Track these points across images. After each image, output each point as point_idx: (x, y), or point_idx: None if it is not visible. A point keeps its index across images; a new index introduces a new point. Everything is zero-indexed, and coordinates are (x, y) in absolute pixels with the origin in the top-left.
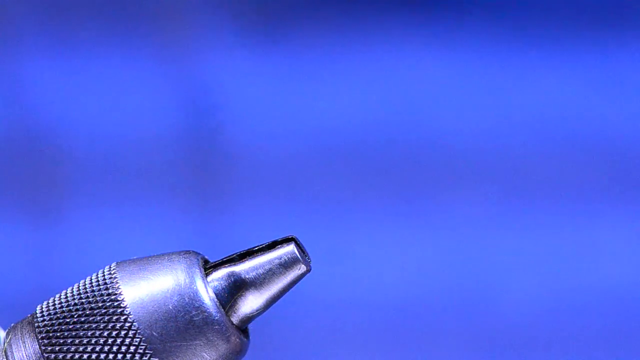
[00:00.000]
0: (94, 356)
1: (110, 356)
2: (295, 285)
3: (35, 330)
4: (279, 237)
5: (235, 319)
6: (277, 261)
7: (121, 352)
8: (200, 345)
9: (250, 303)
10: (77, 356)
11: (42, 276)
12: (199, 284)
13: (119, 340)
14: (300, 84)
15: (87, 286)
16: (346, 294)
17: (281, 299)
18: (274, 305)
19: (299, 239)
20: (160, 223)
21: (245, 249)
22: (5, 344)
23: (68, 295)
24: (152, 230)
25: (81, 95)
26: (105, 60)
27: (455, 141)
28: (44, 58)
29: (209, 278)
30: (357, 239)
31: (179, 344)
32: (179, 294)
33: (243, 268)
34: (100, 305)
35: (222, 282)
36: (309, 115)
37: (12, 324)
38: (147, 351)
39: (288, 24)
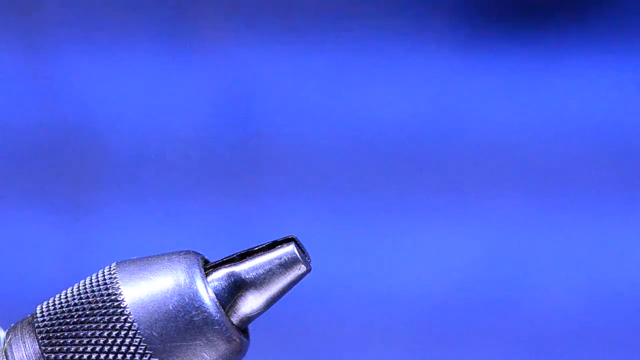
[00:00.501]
0: (94, 356)
1: (110, 356)
2: (295, 285)
3: (35, 330)
4: (279, 238)
5: (235, 319)
6: (277, 261)
7: (121, 352)
8: (200, 346)
9: (250, 303)
10: (77, 356)
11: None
12: (199, 284)
13: (119, 340)
14: (332, 82)
15: (87, 286)
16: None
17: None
18: (287, 301)
19: (327, 234)
20: (189, 218)
21: (245, 249)
22: (5, 344)
23: (68, 295)
24: (178, 226)
25: (115, 91)
26: (140, 56)
27: (485, 138)
28: (80, 53)
29: (209, 278)
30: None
31: (179, 344)
32: (179, 294)
33: (243, 268)
34: (100, 305)
35: (222, 282)
36: (342, 112)
37: (12, 324)
38: (147, 351)
39: (321, 24)
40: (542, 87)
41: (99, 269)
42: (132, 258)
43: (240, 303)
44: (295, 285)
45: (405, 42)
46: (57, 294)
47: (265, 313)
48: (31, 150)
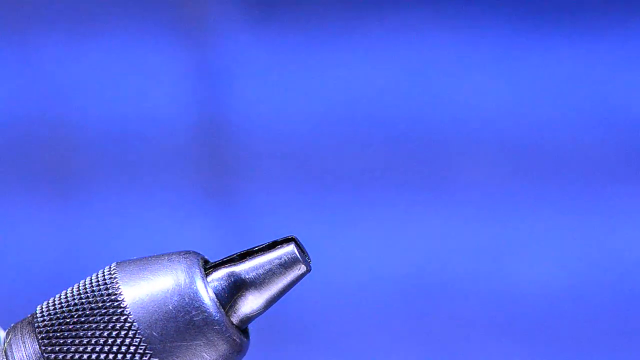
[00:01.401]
0: (94, 356)
1: (110, 356)
2: (295, 285)
3: (35, 330)
4: (279, 238)
5: (235, 319)
6: (277, 261)
7: (121, 352)
8: (200, 345)
9: (250, 303)
10: (77, 356)
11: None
12: (199, 284)
13: (119, 340)
14: (313, 69)
15: (87, 286)
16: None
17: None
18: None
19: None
20: (174, 211)
21: (245, 249)
22: (5, 344)
23: (68, 295)
24: (166, 220)
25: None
26: (123, 46)
27: (464, 126)
28: (64, 45)
29: (209, 278)
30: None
31: (179, 344)
32: (179, 294)
33: (243, 268)
34: (100, 305)
35: (222, 282)
36: (325, 100)
37: (12, 324)
38: (147, 351)
39: (298, 8)
40: (536, 68)
41: (99, 269)
42: (132, 258)
43: (240, 303)
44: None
45: (393, 20)
46: (57, 294)
47: (265, 313)
48: (24, 146)
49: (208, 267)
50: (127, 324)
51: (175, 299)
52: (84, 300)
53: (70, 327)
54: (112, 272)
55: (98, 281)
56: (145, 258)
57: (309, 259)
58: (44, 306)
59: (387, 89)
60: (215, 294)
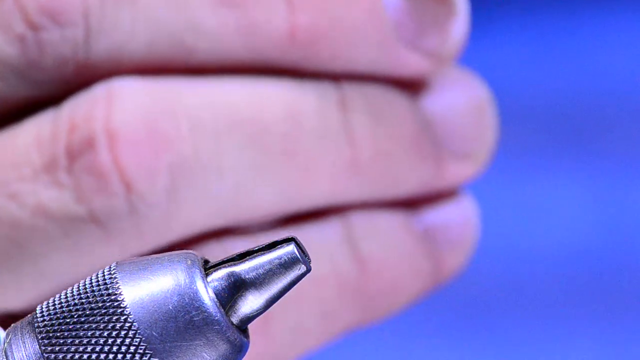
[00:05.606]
0: (94, 356)
1: (110, 356)
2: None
3: (35, 330)
4: (279, 238)
5: (235, 319)
6: (277, 261)
7: (121, 352)
8: (201, 346)
9: (250, 303)
10: (77, 356)
11: None
12: (199, 284)
13: (119, 340)
14: None
15: (87, 286)
16: None
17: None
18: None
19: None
20: None
21: (245, 249)
22: (5, 344)
23: (68, 295)
24: None
25: None
26: None
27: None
28: None
29: (209, 278)
30: None
31: (179, 344)
32: (179, 294)
33: (243, 268)
34: (100, 305)
35: (222, 282)
36: None
37: (12, 324)
38: (147, 351)
39: None
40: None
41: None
42: (132, 258)
43: (240, 303)
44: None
45: None
46: (57, 293)
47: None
48: None
49: (208, 267)
50: (127, 324)
51: (175, 299)
52: (84, 300)
53: (71, 327)
54: (112, 272)
55: (98, 281)
56: (145, 258)
57: (309, 259)
58: (44, 306)
59: None
60: (215, 294)
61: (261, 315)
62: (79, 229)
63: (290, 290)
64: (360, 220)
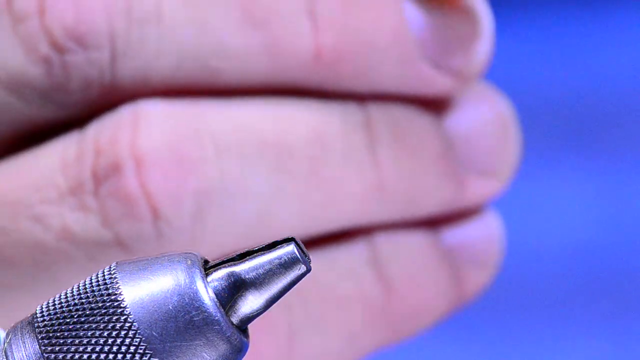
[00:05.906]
0: (94, 356)
1: (110, 356)
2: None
3: (35, 330)
4: (279, 238)
5: (235, 319)
6: (277, 261)
7: (121, 352)
8: (200, 346)
9: (250, 303)
10: (77, 356)
11: None
12: (199, 284)
13: (119, 341)
14: None
15: (87, 286)
16: None
17: None
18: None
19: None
20: None
21: (245, 249)
22: (5, 344)
23: (68, 295)
24: None
25: None
26: None
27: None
28: None
29: (209, 278)
30: None
31: (179, 344)
32: (179, 294)
33: (243, 268)
34: (100, 305)
35: (222, 282)
36: None
37: (12, 324)
38: (147, 351)
39: None
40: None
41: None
42: (132, 258)
43: (240, 303)
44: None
45: None
46: (57, 293)
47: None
48: None
49: (208, 267)
50: (127, 324)
51: (175, 299)
52: (84, 300)
53: (71, 327)
54: (112, 272)
55: (98, 281)
56: (145, 258)
57: (308, 259)
58: (44, 306)
59: None
60: (215, 294)
61: (287, 338)
62: (104, 253)
63: (315, 311)
64: (384, 241)
